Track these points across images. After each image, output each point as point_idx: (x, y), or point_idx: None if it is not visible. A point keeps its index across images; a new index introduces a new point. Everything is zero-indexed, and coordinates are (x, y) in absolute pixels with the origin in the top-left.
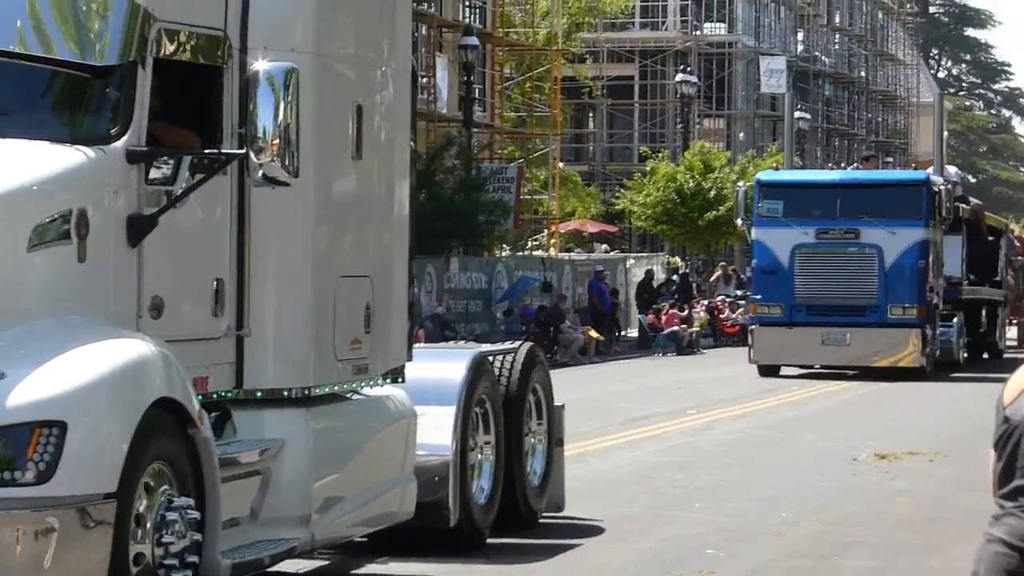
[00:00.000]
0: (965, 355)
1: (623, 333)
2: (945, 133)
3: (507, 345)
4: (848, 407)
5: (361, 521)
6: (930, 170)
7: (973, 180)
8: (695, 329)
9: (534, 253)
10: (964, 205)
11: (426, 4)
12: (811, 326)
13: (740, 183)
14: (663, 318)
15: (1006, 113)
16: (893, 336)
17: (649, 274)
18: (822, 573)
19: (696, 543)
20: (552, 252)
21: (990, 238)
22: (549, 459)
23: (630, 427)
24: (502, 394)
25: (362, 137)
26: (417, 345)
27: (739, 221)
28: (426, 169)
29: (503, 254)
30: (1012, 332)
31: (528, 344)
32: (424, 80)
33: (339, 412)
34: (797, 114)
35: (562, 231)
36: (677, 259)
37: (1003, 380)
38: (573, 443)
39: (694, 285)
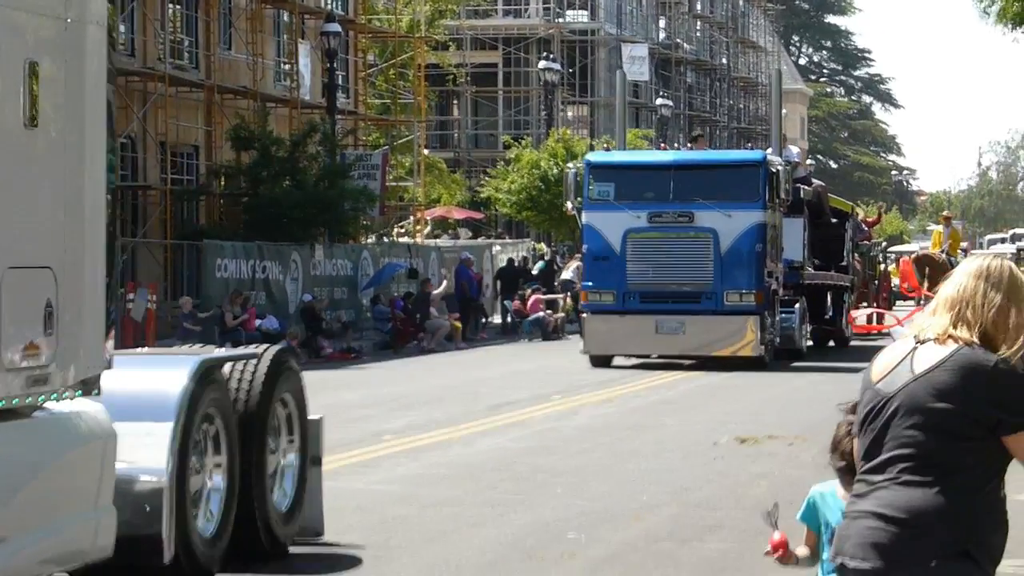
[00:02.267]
0: (809, 343)
1: (490, 319)
2: (800, 117)
3: (247, 350)
4: (708, 392)
5: (40, 561)
6: (769, 150)
7: (835, 166)
8: (560, 315)
9: (400, 240)
10: (805, 187)
11: None
12: (645, 314)
13: (570, 164)
14: (528, 304)
15: (867, 99)
16: (730, 324)
17: (524, 261)
18: (683, 556)
19: (558, 527)
20: (418, 239)
21: (834, 221)
22: (301, 480)
23: (495, 413)
24: (239, 408)
25: (37, 101)
26: (138, 350)
27: (569, 205)
28: (290, 156)
29: (369, 241)
30: (860, 318)
31: (274, 348)
32: (287, 67)
33: (7, 432)
34: (659, 100)
35: (428, 218)
36: (543, 245)
37: (851, 368)
38: (439, 430)
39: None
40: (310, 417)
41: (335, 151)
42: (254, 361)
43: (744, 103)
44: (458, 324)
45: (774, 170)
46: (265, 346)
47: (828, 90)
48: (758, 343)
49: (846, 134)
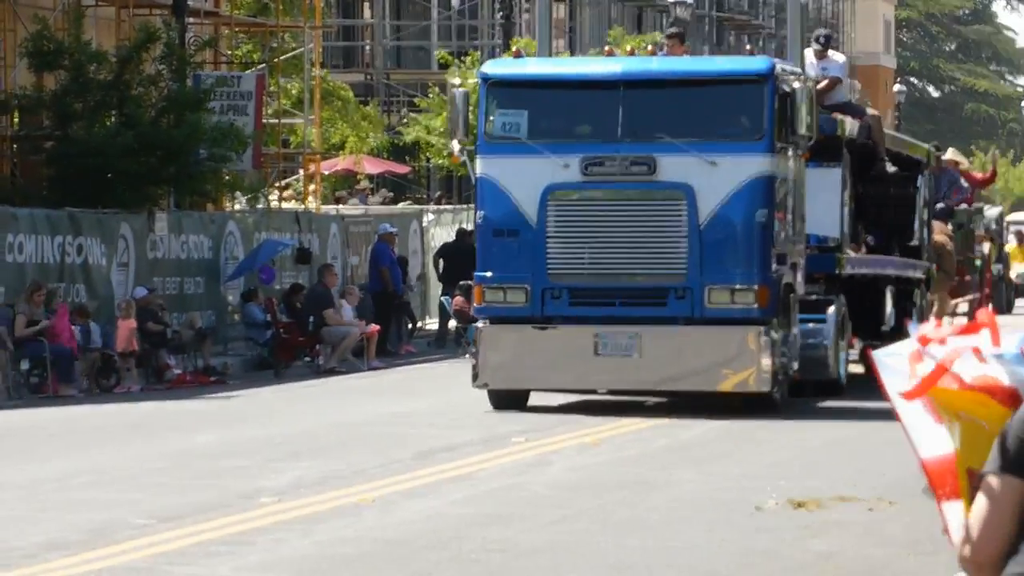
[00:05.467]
0: (857, 369)
1: (420, 324)
2: (884, 20)
3: None
4: (745, 432)
5: None
6: (784, 60)
7: (936, 93)
8: None
9: (284, 206)
10: (848, 117)
11: None
12: (577, 323)
13: (455, 81)
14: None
15: None
16: (715, 340)
17: (462, 235)
18: None
19: None
20: (311, 204)
21: (893, 170)
22: None
23: (426, 463)
24: None
25: None
26: None
27: (455, 146)
28: (116, 79)
29: (236, 206)
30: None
31: None
32: None
33: None
34: None
35: (326, 172)
36: None
37: None
38: (342, 489)
39: None
40: None
41: (184, 71)
42: None
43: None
44: (367, 331)
45: (788, 88)
46: None
47: None
48: (763, 371)
49: (953, 46)
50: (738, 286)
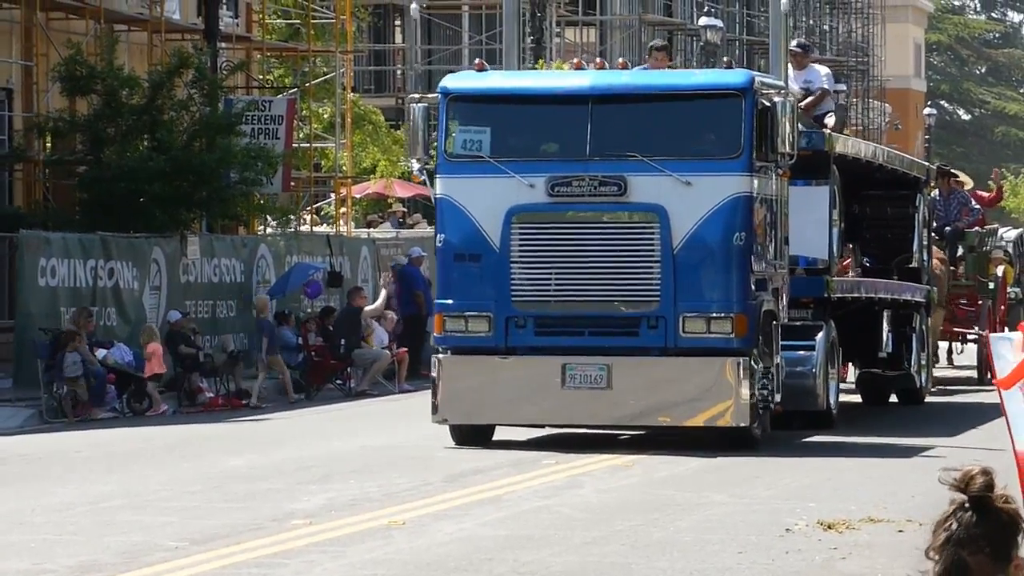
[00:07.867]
0: (853, 398)
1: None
2: (915, 44)
3: None
4: (778, 454)
5: None
6: (765, 74)
7: (967, 116)
8: None
9: (315, 229)
10: (835, 132)
11: None
12: (542, 353)
13: (414, 95)
14: None
15: (1015, 17)
16: (689, 371)
17: None
18: None
19: None
20: (343, 227)
21: (882, 185)
22: None
23: (457, 486)
24: None
25: None
26: None
27: (415, 164)
28: (149, 104)
29: (268, 230)
30: (963, 354)
31: None
32: None
33: None
34: (704, 20)
35: (357, 196)
36: None
37: (933, 449)
38: (374, 511)
39: None
40: None
41: (216, 95)
42: None
43: (831, 23)
44: (398, 353)
45: (769, 103)
46: None
47: (957, 2)
48: (741, 405)
49: (983, 69)
50: (714, 314)
